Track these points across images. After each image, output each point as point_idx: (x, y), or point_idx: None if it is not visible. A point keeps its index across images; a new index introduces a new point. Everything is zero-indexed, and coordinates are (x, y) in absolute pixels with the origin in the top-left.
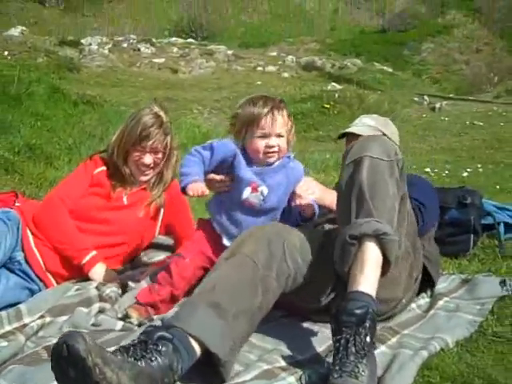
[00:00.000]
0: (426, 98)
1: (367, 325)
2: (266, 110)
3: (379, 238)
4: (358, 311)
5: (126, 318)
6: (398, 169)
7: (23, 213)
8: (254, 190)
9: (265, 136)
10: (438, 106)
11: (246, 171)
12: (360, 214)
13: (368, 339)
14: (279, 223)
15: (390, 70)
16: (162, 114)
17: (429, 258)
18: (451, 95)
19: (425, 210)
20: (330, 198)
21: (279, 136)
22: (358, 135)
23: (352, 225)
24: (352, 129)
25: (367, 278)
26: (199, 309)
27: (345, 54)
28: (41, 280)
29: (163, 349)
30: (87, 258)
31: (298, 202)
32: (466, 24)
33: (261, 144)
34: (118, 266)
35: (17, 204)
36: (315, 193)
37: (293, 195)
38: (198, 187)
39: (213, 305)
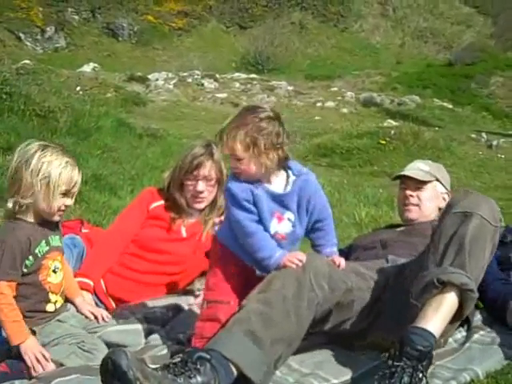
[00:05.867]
0: (483, 135)
1: (425, 363)
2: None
3: (464, 292)
4: (422, 348)
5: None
6: (498, 236)
7: (88, 239)
8: (280, 219)
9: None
10: (495, 143)
11: (265, 202)
12: (454, 262)
13: (421, 376)
14: (308, 253)
15: (450, 106)
16: (211, 144)
17: None
18: (511, 132)
19: None
20: None
21: (236, 159)
22: (413, 178)
23: (443, 269)
24: (408, 172)
25: (438, 321)
26: (235, 336)
27: (411, 87)
28: (102, 302)
29: (202, 368)
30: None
31: None
32: None
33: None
34: (173, 291)
35: (83, 231)
36: None
37: None
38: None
39: (248, 333)
